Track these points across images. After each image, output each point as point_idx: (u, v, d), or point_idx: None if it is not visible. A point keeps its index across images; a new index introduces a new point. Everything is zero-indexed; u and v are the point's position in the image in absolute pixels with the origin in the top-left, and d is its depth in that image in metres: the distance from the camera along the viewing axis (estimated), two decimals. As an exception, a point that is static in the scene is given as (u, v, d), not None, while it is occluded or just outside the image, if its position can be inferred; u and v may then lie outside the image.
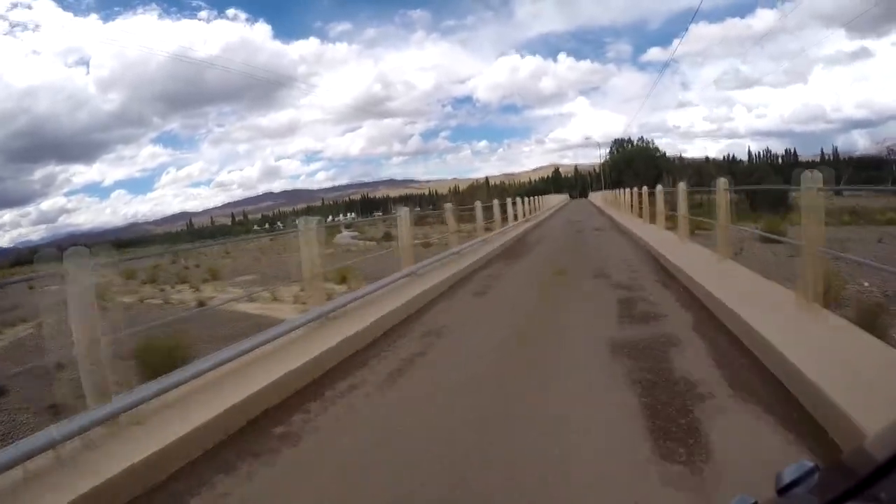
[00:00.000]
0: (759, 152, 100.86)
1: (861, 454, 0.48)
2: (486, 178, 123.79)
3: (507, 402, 2.87)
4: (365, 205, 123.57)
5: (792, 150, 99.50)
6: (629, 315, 4.55)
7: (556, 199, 39.23)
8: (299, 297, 8.43)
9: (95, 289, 2.73)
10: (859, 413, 1.99)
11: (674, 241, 8.81)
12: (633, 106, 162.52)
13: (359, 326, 4.23)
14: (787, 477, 0.52)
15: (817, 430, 2.23)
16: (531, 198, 25.32)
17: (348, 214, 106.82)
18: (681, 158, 53.97)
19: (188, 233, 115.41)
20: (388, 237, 25.14)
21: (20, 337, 9.23)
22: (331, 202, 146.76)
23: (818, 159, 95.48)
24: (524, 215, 18.69)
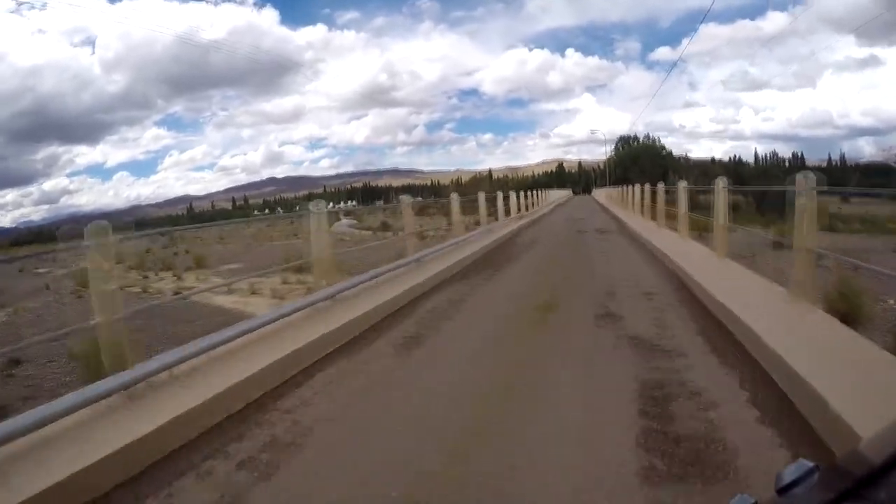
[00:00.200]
0: (765, 155, 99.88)
1: (858, 456, 0.48)
2: (490, 171, 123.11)
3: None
4: (366, 193, 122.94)
5: (799, 154, 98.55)
6: (663, 445, 2.11)
7: (558, 194, 38.45)
8: (278, 291, 8.00)
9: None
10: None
11: (706, 257, 6.46)
12: (640, 104, 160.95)
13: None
14: (787, 477, 0.51)
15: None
16: (531, 192, 23.45)
17: (349, 202, 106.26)
18: (686, 158, 53.24)
19: (188, 216, 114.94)
20: (385, 227, 24.68)
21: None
22: (333, 189, 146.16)
23: (825, 164, 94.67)
24: (519, 211, 16.21)
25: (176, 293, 9.20)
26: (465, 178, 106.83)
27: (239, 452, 2.37)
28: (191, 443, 2.45)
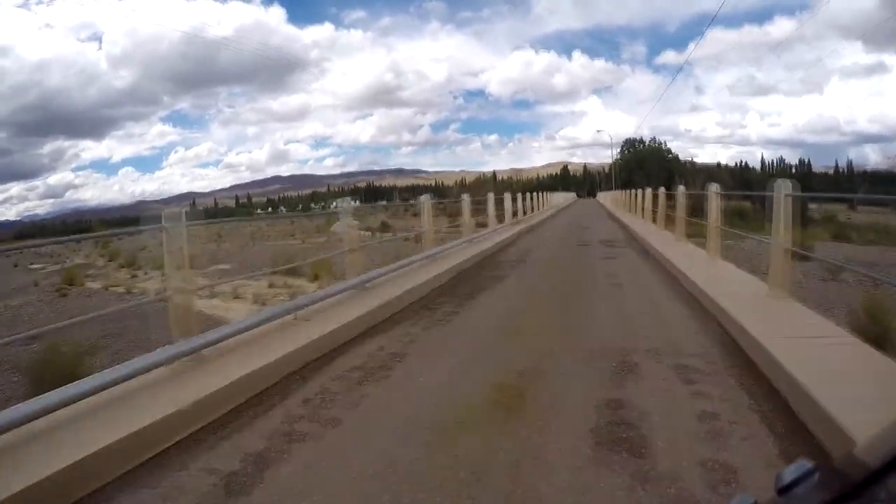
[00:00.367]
0: (772, 161, 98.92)
1: (853, 459, 0.49)
2: (494, 172, 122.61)
3: None
4: (369, 193, 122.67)
5: (806, 161, 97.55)
6: None
7: (561, 198, 37.56)
8: (261, 296, 7.62)
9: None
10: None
11: (759, 294, 4.20)
12: (646, 108, 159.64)
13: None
14: (787, 477, 0.51)
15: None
16: (532, 194, 20.67)
17: (353, 202, 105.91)
18: (692, 163, 52.49)
19: (191, 214, 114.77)
20: (384, 227, 24.29)
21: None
22: (336, 189, 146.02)
23: (832, 171, 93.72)
24: (514, 216, 13.46)
25: (157, 295, 8.86)
26: (469, 179, 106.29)
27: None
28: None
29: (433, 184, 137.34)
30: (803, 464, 0.52)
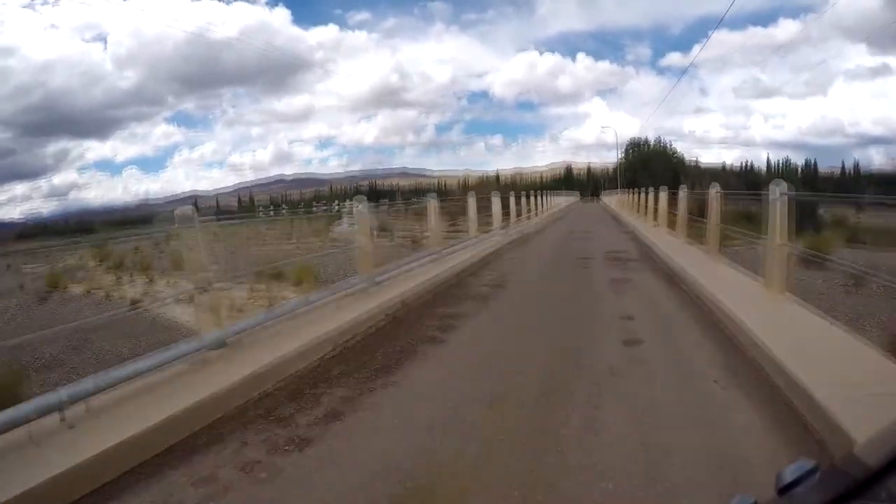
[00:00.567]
0: (777, 162, 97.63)
1: (853, 459, 0.49)
2: (497, 173, 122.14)
3: None
4: (372, 193, 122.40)
5: (812, 162, 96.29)
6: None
7: (563, 199, 36.69)
8: (238, 305, 7.15)
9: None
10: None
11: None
12: (649, 110, 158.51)
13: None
14: (788, 477, 0.51)
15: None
16: (529, 195, 18.06)
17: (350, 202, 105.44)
18: (697, 164, 51.82)
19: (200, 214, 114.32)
20: (382, 229, 23.82)
21: None
22: (340, 189, 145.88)
23: (838, 172, 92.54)
24: (502, 222, 11.20)
25: (134, 302, 8.45)
26: (472, 180, 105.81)
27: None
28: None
29: (436, 184, 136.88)
30: (803, 463, 0.51)
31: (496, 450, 2.09)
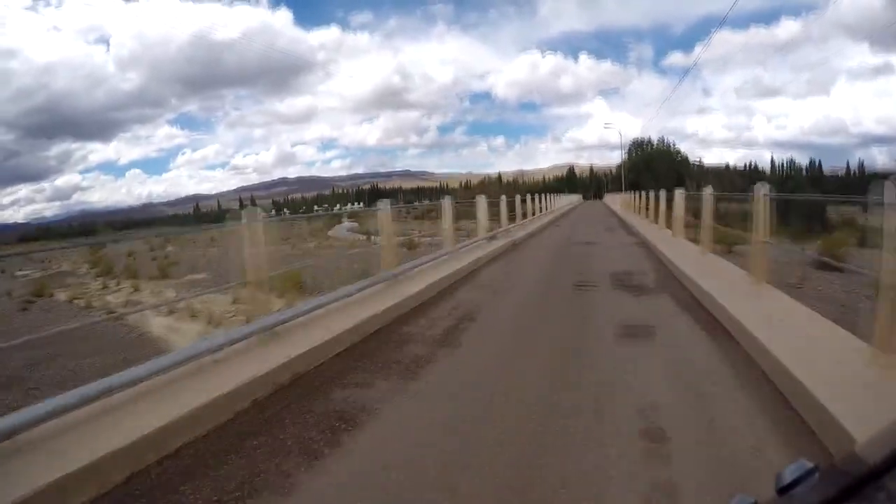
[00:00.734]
0: (782, 162, 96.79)
1: (854, 458, 0.49)
2: (499, 174, 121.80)
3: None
4: (374, 195, 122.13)
5: (817, 162, 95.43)
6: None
7: (565, 200, 35.53)
8: (215, 317, 6.75)
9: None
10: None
11: None
12: (652, 110, 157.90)
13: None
14: (787, 477, 0.51)
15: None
16: (526, 198, 15.66)
17: (357, 204, 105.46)
18: (700, 164, 51.20)
19: (194, 216, 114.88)
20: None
21: None
22: (342, 190, 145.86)
23: (842, 172, 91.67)
24: (489, 231, 9.29)
25: (110, 313, 8.08)
26: (474, 182, 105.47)
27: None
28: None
29: (438, 185, 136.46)
30: (803, 463, 0.51)
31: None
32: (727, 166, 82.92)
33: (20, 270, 20.24)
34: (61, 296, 11.27)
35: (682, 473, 1.81)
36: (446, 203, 7.52)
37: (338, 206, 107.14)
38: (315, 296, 5.18)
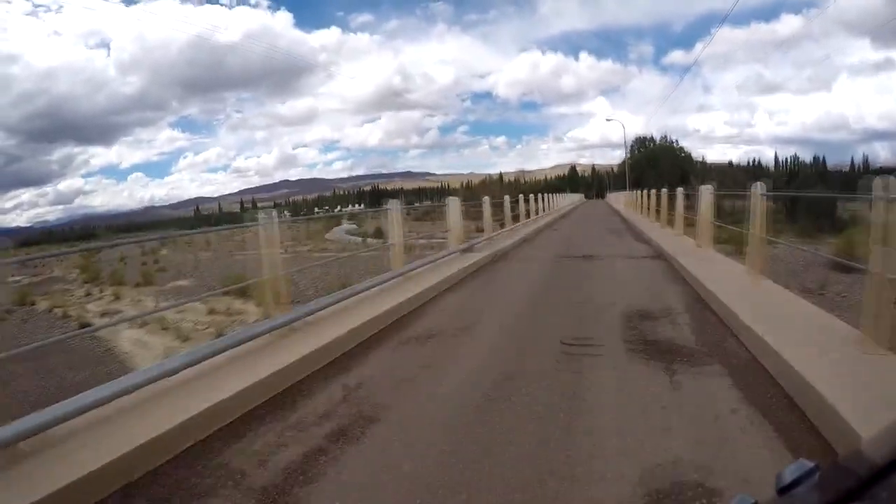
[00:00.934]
0: (785, 159, 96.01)
1: (859, 456, 0.49)
2: (500, 174, 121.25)
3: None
4: (375, 196, 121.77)
5: (821, 158, 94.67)
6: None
7: (566, 200, 34.30)
8: (183, 332, 6.30)
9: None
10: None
11: None
12: (653, 108, 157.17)
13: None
14: (788, 477, 0.51)
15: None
16: (520, 199, 13.61)
17: (358, 205, 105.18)
18: (703, 162, 50.49)
19: (195, 218, 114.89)
20: (378, 233, 22.98)
21: None
22: (343, 192, 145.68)
23: (847, 168, 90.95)
24: (461, 242, 7.45)
25: (83, 326, 7.69)
26: (475, 182, 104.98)
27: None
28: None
29: (439, 186, 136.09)
30: (804, 463, 0.51)
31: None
32: (730, 163, 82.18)
33: (13, 276, 19.95)
34: (43, 304, 10.90)
35: None
36: (393, 214, 5.72)
37: (338, 207, 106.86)
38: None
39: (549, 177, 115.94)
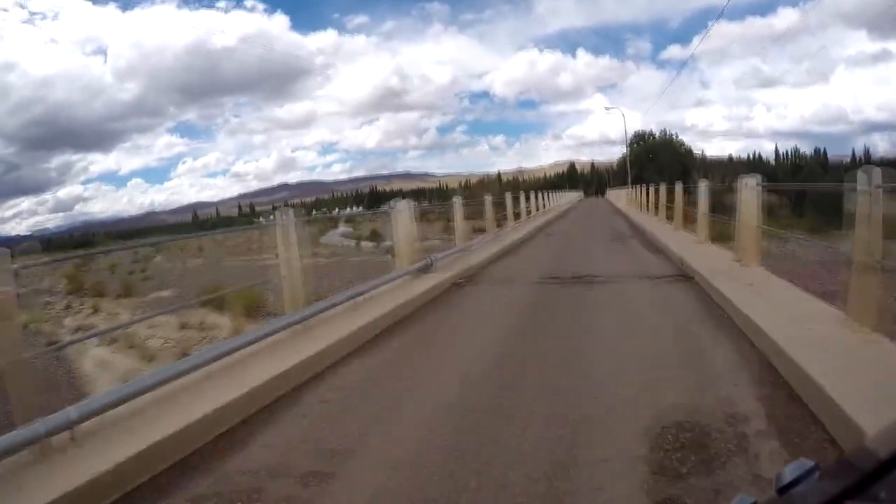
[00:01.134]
0: (786, 152, 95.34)
1: (863, 452, 0.48)
2: (499, 173, 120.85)
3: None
4: (373, 198, 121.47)
5: (822, 151, 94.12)
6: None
7: (565, 198, 32.66)
8: (150, 352, 5.80)
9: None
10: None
11: None
12: (650, 102, 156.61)
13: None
14: (788, 476, 0.51)
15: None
16: (506, 199, 11.48)
17: (356, 207, 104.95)
18: (703, 156, 50.01)
19: (193, 223, 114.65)
20: (374, 236, 22.51)
21: None
22: (342, 194, 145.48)
23: (848, 160, 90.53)
24: (413, 263, 5.54)
25: (51, 343, 7.20)
26: (474, 181, 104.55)
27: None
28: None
29: (437, 186, 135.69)
30: (804, 463, 0.50)
31: None
32: (729, 158, 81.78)
33: (2, 286, 19.54)
34: (21, 318, 10.39)
35: None
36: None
37: (336, 209, 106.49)
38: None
39: (548, 174, 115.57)
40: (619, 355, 3.17)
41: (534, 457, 1.97)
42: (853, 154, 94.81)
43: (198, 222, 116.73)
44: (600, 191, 64.55)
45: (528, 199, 14.38)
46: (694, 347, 3.25)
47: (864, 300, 2.87)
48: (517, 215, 12.52)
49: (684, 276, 5.36)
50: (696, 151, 50.55)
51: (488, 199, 9.34)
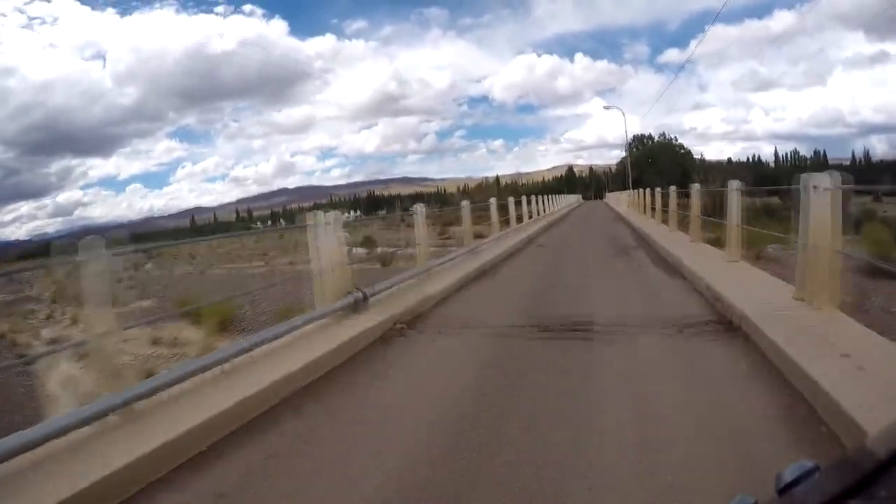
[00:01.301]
0: (785, 154, 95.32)
1: (863, 452, 0.48)
2: (497, 177, 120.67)
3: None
4: (371, 203, 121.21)
5: (822, 153, 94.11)
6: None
7: (563, 202, 31.79)
8: (112, 370, 5.45)
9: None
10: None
11: None
12: (648, 105, 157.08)
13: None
14: (788, 477, 0.50)
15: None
16: (492, 205, 10.14)
17: (354, 212, 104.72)
18: (702, 159, 49.86)
19: (190, 229, 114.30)
20: (367, 241, 22.16)
21: None
22: (339, 199, 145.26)
23: (848, 162, 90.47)
24: (336, 294, 3.84)
25: (20, 356, 6.89)
26: (472, 185, 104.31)
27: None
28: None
29: (436, 190, 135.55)
30: (804, 463, 0.50)
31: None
32: (728, 160, 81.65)
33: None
34: (2, 328, 10.15)
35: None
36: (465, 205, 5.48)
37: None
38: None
39: (546, 178, 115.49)
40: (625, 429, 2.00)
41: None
42: (853, 155, 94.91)
43: (195, 227, 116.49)
44: (599, 194, 64.37)
45: (518, 204, 12.91)
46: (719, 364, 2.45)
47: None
48: (505, 223, 11.00)
49: (721, 321, 3.57)
50: (696, 154, 50.31)
51: (465, 205, 8.00)
